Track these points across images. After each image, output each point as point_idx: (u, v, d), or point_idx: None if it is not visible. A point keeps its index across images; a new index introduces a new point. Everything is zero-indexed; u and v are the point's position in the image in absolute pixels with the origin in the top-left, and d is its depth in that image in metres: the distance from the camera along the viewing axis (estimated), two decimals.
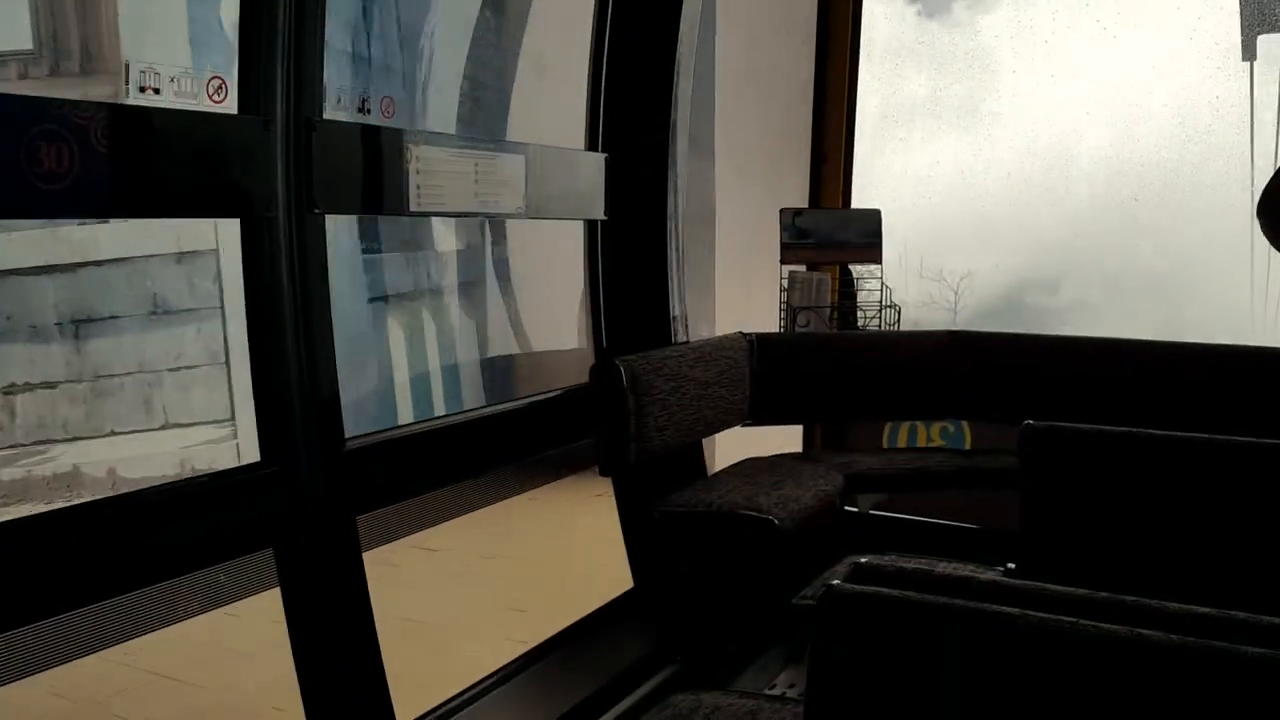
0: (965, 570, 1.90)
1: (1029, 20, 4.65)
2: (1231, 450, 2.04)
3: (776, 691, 3.20)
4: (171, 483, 2.15)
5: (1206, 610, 1.14)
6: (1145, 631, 1.08)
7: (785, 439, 4.07)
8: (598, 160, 3.32)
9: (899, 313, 3.96)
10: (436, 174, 2.61)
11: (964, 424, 3.93)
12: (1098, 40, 4.31)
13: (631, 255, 3.50)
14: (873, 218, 3.96)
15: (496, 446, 2.91)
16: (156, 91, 2.16)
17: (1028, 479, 2.18)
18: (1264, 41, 4.11)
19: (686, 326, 3.69)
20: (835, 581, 1.20)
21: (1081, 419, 3.57)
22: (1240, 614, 1.13)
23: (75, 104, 1.94)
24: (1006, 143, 4.68)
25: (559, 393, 3.20)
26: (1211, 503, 2.04)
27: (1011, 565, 2.27)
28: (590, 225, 3.40)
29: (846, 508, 3.92)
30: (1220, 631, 1.09)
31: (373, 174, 2.48)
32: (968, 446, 3.93)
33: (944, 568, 2.51)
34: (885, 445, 4.02)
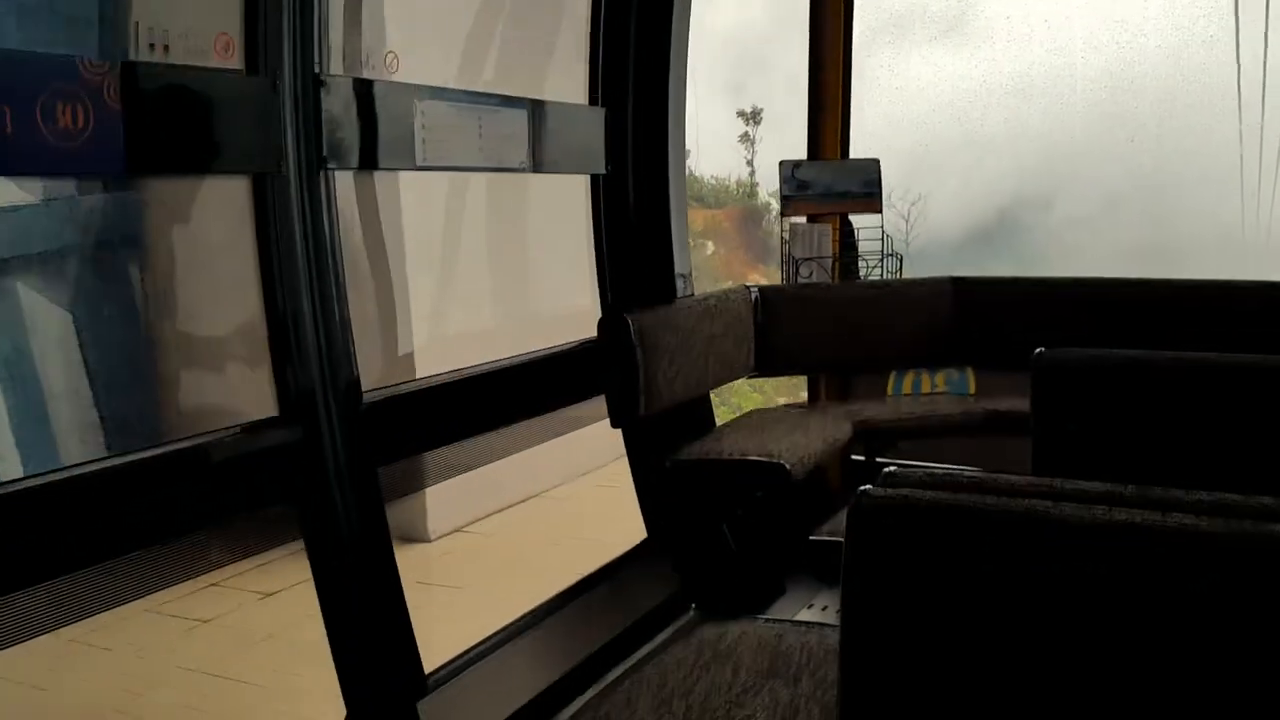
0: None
1: None
2: (1238, 370, 2.07)
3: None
4: (196, 435, 2.17)
5: (1233, 497, 1.17)
6: (1177, 514, 1.11)
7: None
8: (597, 115, 3.33)
9: (900, 261, 3.98)
10: (442, 128, 2.62)
11: (968, 370, 3.96)
12: None
13: (634, 209, 3.51)
14: (872, 168, 3.98)
15: (510, 400, 2.94)
16: (166, 49, 2.17)
17: (1040, 407, 2.21)
18: None
19: (690, 284, 3.71)
20: (867, 487, 1.23)
21: None
22: (1268, 499, 1.16)
23: (89, 62, 1.95)
24: (998, 57, 4.67)
25: (570, 347, 3.22)
26: (1220, 422, 2.07)
27: None
28: (593, 180, 3.42)
29: (854, 456, 3.97)
30: (1248, 514, 1.13)
31: (381, 129, 2.49)
32: (972, 392, 3.96)
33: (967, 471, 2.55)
34: (890, 394, 4.05)
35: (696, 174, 8.83)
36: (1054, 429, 2.23)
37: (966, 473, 1.27)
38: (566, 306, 4.35)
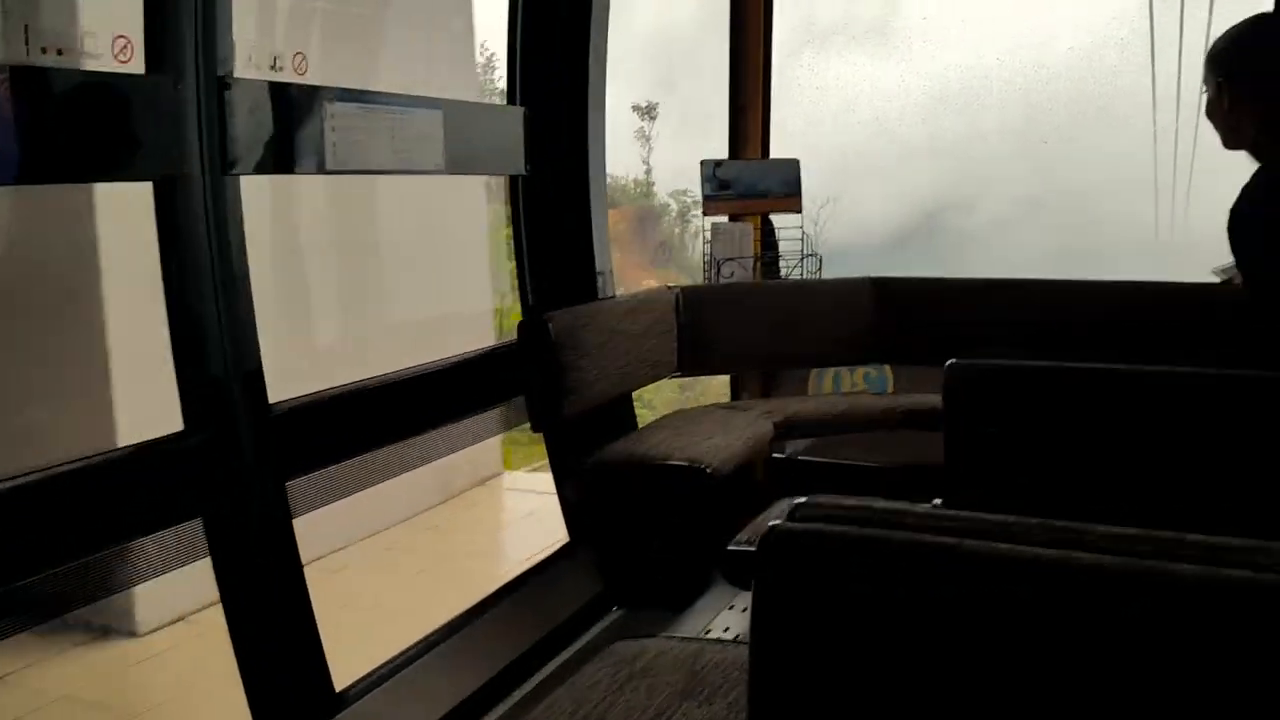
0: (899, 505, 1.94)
1: None
2: (1146, 379, 2.12)
3: (715, 636, 3.26)
4: (96, 454, 2.09)
5: (1135, 531, 1.19)
6: (1076, 553, 1.12)
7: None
8: (516, 114, 3.28)
9: (820, 260, 4.01)
10: (354, 130, 2.56)
11: (886, 368, 4.02)
12: None
13: (554, 210, 3.48)
14: (792, 167, 4.00)
15: (426, 407, 2.89)
16: (60, 52, 2.08)
17: (951, 416, 2.24)
18: None
19: (611, 282, 3.69)
20: (776, 521, 1.23)
21: (1001, 357, 3.68)
22: (1167, 533, 1.18)
23: None
24: (920, 64, 4.73)
25: (488, 350, 3.19)
26: (1131, 432, 2.12)
27: (938, 501, 2.34)
28: (512, 181, 3.37)
29: (775, 454, 3.99)
30: (1149, 551, 1.15)
31: (290, 132, 2.42)
32: (890, 390, 4.02)
33: (876, 504, 2.58)
34: (811, 391, 4.09)
35: None
36: (967, 436, 2.26)
37: (878, 504, 1.28)
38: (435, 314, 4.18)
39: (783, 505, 2.64)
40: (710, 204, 3.96)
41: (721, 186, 3.95)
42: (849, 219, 4.00)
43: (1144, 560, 1.11)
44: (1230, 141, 2.33)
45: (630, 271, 8.27)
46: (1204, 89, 2.35)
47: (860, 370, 4.02)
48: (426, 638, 2.82)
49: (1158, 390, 2.11)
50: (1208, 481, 2.07)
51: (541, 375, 3.10)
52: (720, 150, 4.08)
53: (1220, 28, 2.37)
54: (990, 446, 2.25)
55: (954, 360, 2.24)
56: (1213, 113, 2.33)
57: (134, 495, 2.12)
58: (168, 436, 2.21)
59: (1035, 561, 1.11)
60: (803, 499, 1.32)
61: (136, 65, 2.17)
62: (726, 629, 3.31)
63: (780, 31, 4.01)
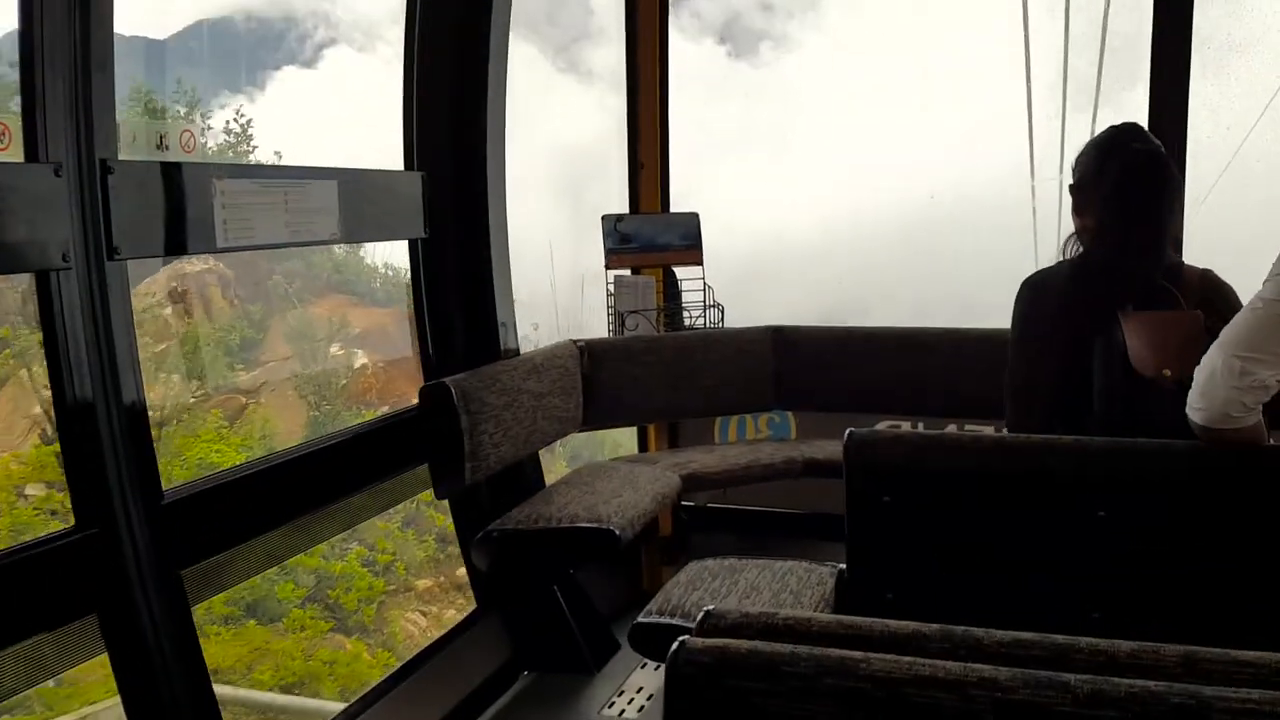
0: (797, 612, 2.01)
1: (832, 61, 4.88)
2: (1046, 449, 2.19)
3: (628, 696, 3.25)
4: None
5: (1030, 636, 1.23)
6: (976, 665, 1.16)
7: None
8: (415, 179, 3.26)
9: (722, 311, 4.06)
10: (245, 207, 2.51)
11: (789, 414, 4.08)
12: (899, 82, 4.56)
13: (455, 271, 3.46)
14: (692, 221, 4.04)
15: (325, 482, 2.83)
16: None
17: (850, 482, 2.29)
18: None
19: (514, 333, 3.68)
20: (685, 638, 1.24)
21: (894, 403, 3.78)
22: (1059, 638, 1.23)
23: None
24: (817, 173, 4.88)
25: (388, 420, 3.14)
26: (1027, 501, 2.19)
27: (842, 566, 2.38)
28: (413, 244, 3.34)
29: (685, 502, 4.02)
30: (1043, 658, 1.19)
31: (177, 212, 2.36)
32: (793, 436, 4.08)
33: (781, 569, 2.61)
34: (717, 439, 4.13)
35: (369, 261, 7.57)
36: (866, 502, 2.31)
37: (782, 614, 1.30)
38: None
39: (692, 570, 2.66)
40: (612, 257, 3.98)
41: (623, 240, 3.97)
42: (745, 321, 4.08)
43: (1038, 671, 1.15)
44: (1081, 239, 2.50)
45: (398, 384, 7.24)
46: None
47: (764, 416, 4.07)
48: (335, 716, 2.76)
49: (1054, 457, 2.19)
50: (1092, 550, 2.16)
51: (443, 442, 3.06)
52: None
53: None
54: (888, 513, 2.30)
55: (852, 430, 2.29)
56: (1073, 216, 2.52)
57: (24, 595, 2.03)
58: (57, 533, 2.13)
59: (937, 681, 1.14)
60: (709, 607, 1.34)
61: (15, 153, 2.09)
62: (640, 689, 3.30)
63: (677, 132, 4.10)
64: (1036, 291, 2.48)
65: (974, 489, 2.24)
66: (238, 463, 2.60)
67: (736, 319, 4.06)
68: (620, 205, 4.11)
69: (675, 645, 1.24)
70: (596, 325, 4.09)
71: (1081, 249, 2.46)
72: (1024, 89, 4.15)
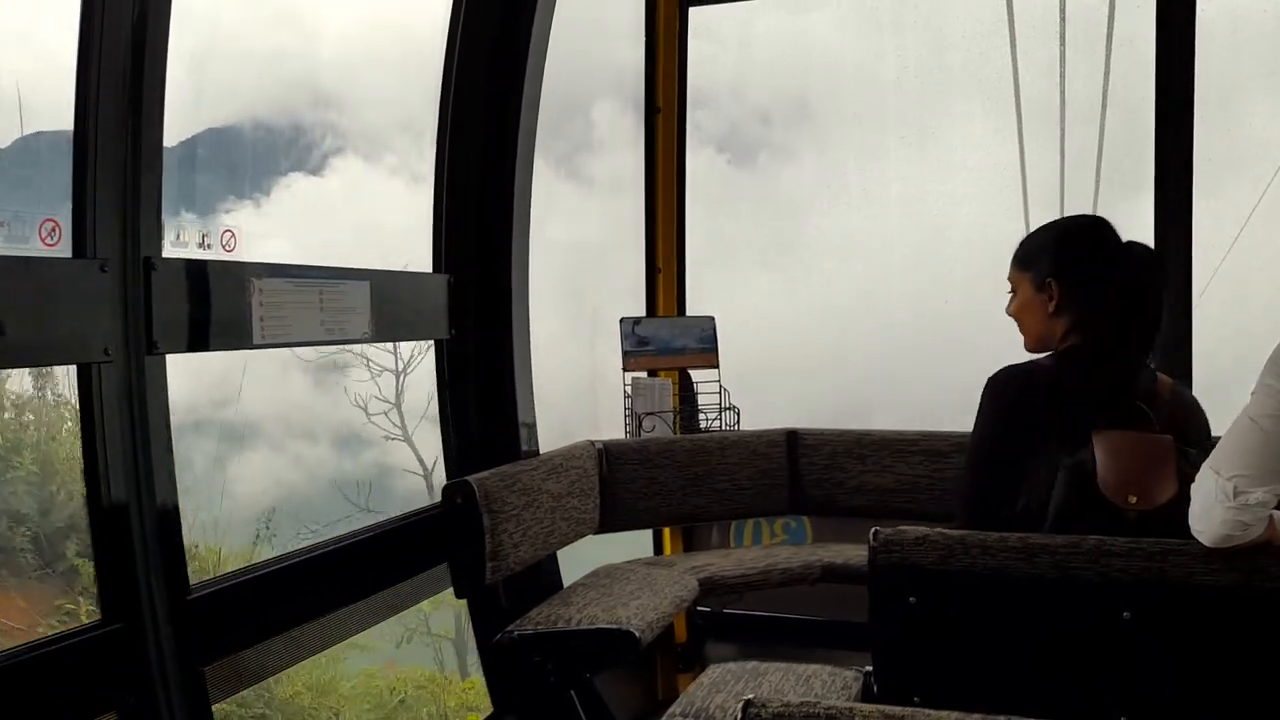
0: (837, 701, 1.99)
1: (833, 168, 5.03)
2: (1070, 550, 2.19)
3: None
4: (8, 650, 2.00)
5: None
6: None
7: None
8: (441, 281, 3.34)
9: (738, 414, 4.10)
10: (281, 305, 2.57)
11: (805, 519, 4.08)
12: (902, 180, 4.68)
13: (477, 371, 3.52)
14: (708, 324, 4.11)
15: (349, 580, 2.83)
16: None
17: (875, 582, 2.28)
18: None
19: (535, 434, 3.71)
20: None
21: (911, 507, 3.78)
22: None
23: None
24: (820, 282, 4.98)
25: (410, 518, 3.15)
26: (1057, 601, 2.19)
27: (868, 669, 2.36)
28: (438, 344, 3.41)
29: (700, 608, 3.99)
30: None
31: (216, 310, 2.43)
32: (809, 540, 4.07)
33: (804, 672, 2.59)
34: (732, 543, 4.12)
35: None
36: (892, 603, 2.30)
37: (824, 703, 1.30)
38: None
39: (714, 673, 2.63)
40: (629, 359, 4.04)
41: (640, 343, 4.04)
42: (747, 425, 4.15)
43: None
44: (1037, 344, 2.33)
45: None
46: (1010, 290, 2.36)
47: (780, 521, 4.07)
48: None
49: (1079, 560, 2.18)
50: (1118, 652, 2.14)
51: (465, 541, 3.07)
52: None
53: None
54: (913, 613, 2.29)
55: (877, 529, 2.29)
56: (1028, 316, 2.33)
57: (46, 692, 2.02)
58: (83, 627, 2.14)
59: None
60: (749, 697, 1.34)
61: (64, 249, 2.17)
62: None
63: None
64: (1017, 393, 2.26)
65: (999, 590, 2.23)
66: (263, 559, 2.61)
67: (747, 420, 4.09)
68: (621, 305, 4.19)
69: None
70: (605, 422, 4.13)
71: (1061, 348, 2.29)
72: (1020, 204, 4.26)
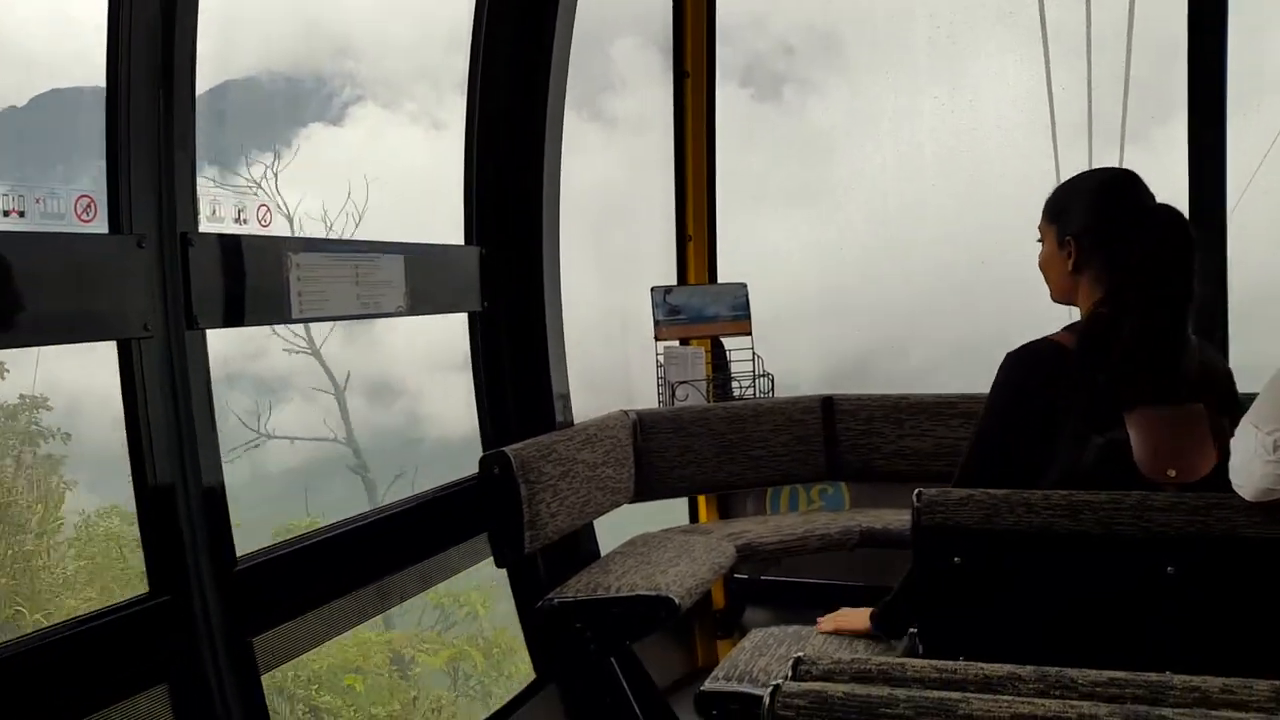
0: (887, 657, 1.98)
1: (863, 100, 4.95)
2: (1113, 506, 2.17)
3: None
4: (57, 625, 2.03)
5: (1122, 675, 1.22)
6: (1075, 702, 1.15)
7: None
8: (473, 254, 3.34)
9: (772, 381, 4.08)
10: (318, 280, 2.58)
11: (841, 484, 4.06)
12: (935, 112, 4.60)
13: (510, 343, 3.52)
14: (740, 291, 4.09)
15: (390, 551, 2.85)
16: (21, 214, 2.08)
17: (919, 545, 2.27)
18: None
19: (570, 406, 3.71)
20: (780, 681, 1.24)
21: (949, 471, 3.76)
22: (1152, 675, 1.21)
23: None
24: (851, 217, 4.90)
25: (450, 489, 3.16)
26: (1101, 557, 2.17)
27: (912, 630, 2.36)
28: (470, 317, 3.41)
29: (737, 575, 3.99)
30: (1139, 695, 1.18)
31: (254, 285, 2.44)
32: (847, 506, 4.06)
33: (874, 660, 2.58)
34: (768, 510, 4.11)
35: None
36: (936, 564, 2.29)
37: (874, 659, 1.29)
38: None
39: (756, 637, 2.64)
40: (661, 328, 4.03)
41: (672, 312, 4.02)
42: (782, 367, 4.11)
43: (1136, 706, 1.14)
44: (1061, 297, 2.30)
45: None
46: (1039, 238, 2.31)
47: (816, 487, 4.06)
48: None
49: (1125, 516, 2.16)
50: (1163, 607, 2.12)
51: (503, 511, 3.08)
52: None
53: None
54: (958, 574, 2.28)
55: (920, 490, 2.28)
56: (1051, 270, 2.29)
57: (96, 664, 2.05)
58: (131, 600, 2.16)
59: (1036, 719, 1.13)
60: (799, 654, 1.34)
61: (101, 225, 2.18)
62: None
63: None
64: (1034, 375, 2.19)
65: (1044, 548, 2.22)
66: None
67: (774, 366, 4.05)
68: (639, 250, 4.17)
69: (770, 689, 1.24)
70: (638, 381, 4.12)
71: (1084, 317, 2.22)
72: (1049, 133, 4.18)
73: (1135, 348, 2.10)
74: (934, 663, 1.27)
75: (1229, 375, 2.26)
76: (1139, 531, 2.15)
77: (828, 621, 2.61)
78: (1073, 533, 2.21)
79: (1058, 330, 2.26)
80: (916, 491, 2.28)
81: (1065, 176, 2.39)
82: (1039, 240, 2.32)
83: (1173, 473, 2.09)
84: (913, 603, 2.37)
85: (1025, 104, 4.38)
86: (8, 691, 1.87)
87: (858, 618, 2.58)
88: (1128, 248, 2.12)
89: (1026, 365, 2.20)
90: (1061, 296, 2.33)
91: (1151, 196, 2.20)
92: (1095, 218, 2.18)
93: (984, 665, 1.28)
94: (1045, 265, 2.31)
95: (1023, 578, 2.26)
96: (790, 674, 1.28)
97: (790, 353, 4.17)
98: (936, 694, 1.19)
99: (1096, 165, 2.49)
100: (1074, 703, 1.16)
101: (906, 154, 4.65)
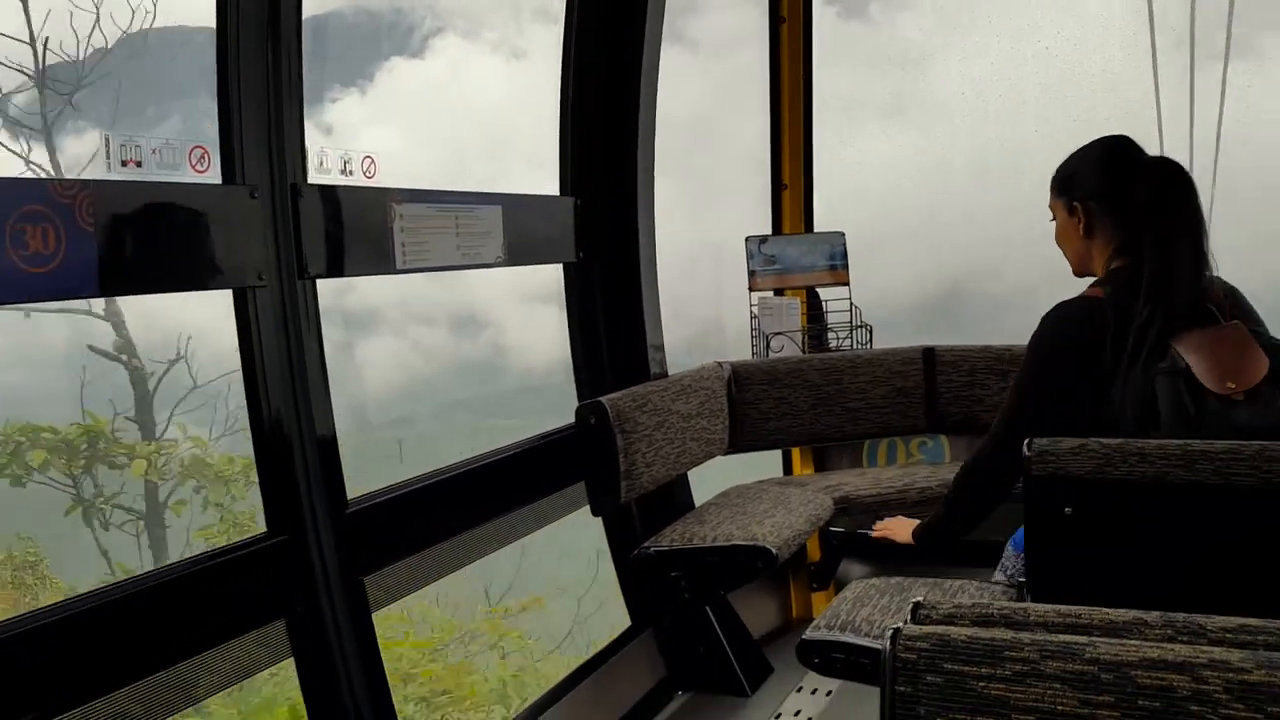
0: (1004, 600, 1.95)
1: (955, 12, 4.76)
2: (1231, 455, 2.11)
3: None
4: (181, 562, 2.12)
5: (1254, 621, 1.19)
6: (1205, 648, 1.12)
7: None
8: (568, 204, 3.34)
9: (870, 332, 4.02)
10: (420, 230, 2.62)
11: (941, 437, 4.00)
12: (1026, 28, 4.40)
13: (604, 294, 3.53)
14: (838, 240, 4.03)
15: (491, 497, 2.91)
16: (138, 164, 2.14)
17: (1031, 495, 2.23)
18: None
19: (664, 357, 3.72)
20: (901, 625, 1.23)
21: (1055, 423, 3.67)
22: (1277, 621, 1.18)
23: (60, 182, 1.92)
24: (943, 137, 4.73)
25: (546, 438, 3.20)
26: (1217, 507, 2.11)
27: (1022, 580, 2.32)
28: (566, 268, 3.43)
29: (833, 528, 3.97)
30: (1271, 643, 1.14)
31: (361, 235, 2.48)
32: (947, 460, 4.00)
33: (952, 587, 2.56)
34: (865, 463, 4.07)
35: None
36: (1047, 515, 2.25)
37: (996, 604, 1.27)
38: None
39: (857, 588, 2.62)
40: (756, 279, 3.99)
41: (767, 262, 3.99)
42: (874, 293, 4.03)
43: (1271, 653, 1.11)
44: (1079, 267, 2.45)
45: None
46: (1052, 215, 2.45)
47: (915, 440, 4.00)
48: None
49: (1232, 465, 2.10)
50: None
51: (600, 460, 3.11)
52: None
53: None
54: (1069, 526, 2.24)
55: (1031, 439, 2.23)
56: (1066, 240, 2.43)
57: (219, 600, 2.14)
58: (250, 539, 2.24)
59: (1166, 663, 1.10)
60: (918, 599, 1.32)
61: (214, 175, 2.23)
62: (797, 712, 3.26)
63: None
64: (1073, 327, 2.32)
65: (1159, 498, 2.16)
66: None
67: (864, 287, 3.98)
68: (726, 185, 4.09)
69: (890, 633, 1.23)
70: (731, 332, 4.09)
71: (1107, 272, 2.35)
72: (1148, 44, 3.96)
73: (1158, 281, 2.24)
74: (1057, 607, 1.25)
75: (1247, 302, 2.37)
76: (1257, 481, 2.09)
77: (879, 527, 2.85)
78: (1188, 483, 2.15)
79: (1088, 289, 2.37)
80: (1027, 441, 2.23)
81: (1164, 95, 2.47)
82: (1052, 220, 2.46)
83: (1232, 385, 2.19)
84: (954, 529, 2.62)
85: (1123, 11, 4.15)
86: (138, 623, 1.96)
87: (903, 529, 2.77)
88: (1133, 198, 2.28)
89: (1064, 320, 2.33)
90: (1080, 266, 2.46)
91: (1142, 155, 2.36)
92: (1098, 178, 2.35)
93: (1108, 610, 1.25)
94: (1060, 238, 2.45)
95: (1137, 528, 2.22)
96: (910, 618, 1.27)
97: (881, 274, 4.09)
98: (1061, 638, 1.17)
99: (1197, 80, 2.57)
100: (1204, 648, 1.13)
101: (1001, 69, 4.46)
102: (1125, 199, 2.29)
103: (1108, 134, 2.41)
